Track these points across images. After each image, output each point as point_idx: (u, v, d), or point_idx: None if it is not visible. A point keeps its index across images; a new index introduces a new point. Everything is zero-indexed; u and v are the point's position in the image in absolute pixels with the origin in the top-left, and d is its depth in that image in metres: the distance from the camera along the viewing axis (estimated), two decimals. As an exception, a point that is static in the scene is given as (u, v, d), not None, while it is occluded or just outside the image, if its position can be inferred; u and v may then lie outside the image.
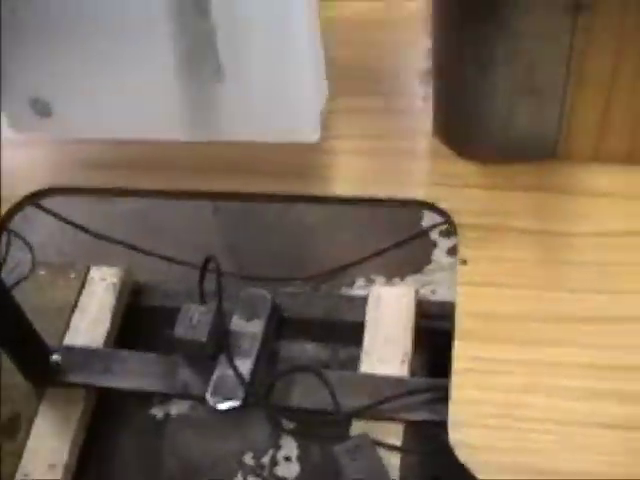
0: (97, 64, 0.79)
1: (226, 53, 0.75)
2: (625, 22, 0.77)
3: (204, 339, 1.26)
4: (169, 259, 1.40)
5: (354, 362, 1.30)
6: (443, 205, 0.87)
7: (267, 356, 1.31)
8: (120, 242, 1.38)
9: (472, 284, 0.82)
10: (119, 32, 0.76)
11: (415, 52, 0.99)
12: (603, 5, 0.76)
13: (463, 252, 0.83)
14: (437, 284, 1.43)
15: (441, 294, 1.40)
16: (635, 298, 0.80)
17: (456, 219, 0.86)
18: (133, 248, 1.39)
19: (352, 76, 0.97)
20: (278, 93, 0.76)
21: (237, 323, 1.31)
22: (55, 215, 1.30)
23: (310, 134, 0.78)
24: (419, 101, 0.96)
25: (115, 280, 1.42)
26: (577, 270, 0.82)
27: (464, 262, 0.83)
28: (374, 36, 1.02)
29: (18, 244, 1.44)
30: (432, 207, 0.87)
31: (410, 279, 1.46)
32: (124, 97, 0.81)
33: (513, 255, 0.83)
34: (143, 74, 0.79)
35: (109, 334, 1.38)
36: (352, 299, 1.40)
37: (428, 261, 1.47)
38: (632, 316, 0.79)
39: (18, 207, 0.94)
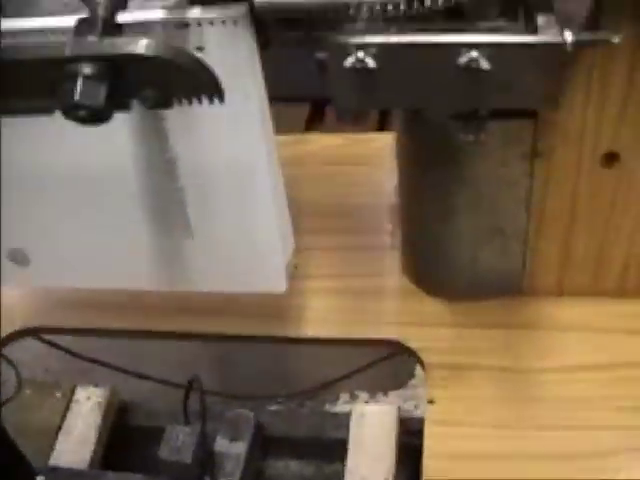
0: (72, 219, 0.83)
1: (195, 212, 0.78)
2: (580, 166, 0.80)
3: (188, 461, 1.26)
4: (154, 379, 1.41)
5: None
6: (412, 344, 0.89)
7: (251, 476, 1.32)
8: (105, 364, 1.40)
9: (439, 423, 0.84)
10: (92, 191, 0.79)
11: (384, 188, 1.01)
12: (559, 151, 0.79)
13: (431, 392, 0.85)
14: (420, 399, 1.44)
15: (424, 409, 1.41)
16: (602, 434, 0.81)
17: (424, 358, 0.88)
18: (118, 369, 1.40)
19: (321, 213, 1.00)
20: (245, 249, 0.79)
21: (221, 444, 1.32)
22: (40, 338, 1.31)
23: (277, 286, 0.81)
24: (388, 237, 0.98)
25: (101, 400, 1.44)
26: (544, 407, 0.84)
27: (431, 401, 0.84)
28: (343, 171, 1.06)
29: (3, 363, 1.44)
30: (401, 346, 0.89)
31: (393, 394, 1.47)
32: (98, 249, 0.84)
33: (480, 393, 0.85)
34: (116, 229, 0.82)
35: (95, 454, 1.39)
36: (336, 416, 1.41)
37: (411, 375, 1.49)
38: (599, 451, 0.80)
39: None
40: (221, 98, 0.59)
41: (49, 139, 0.76)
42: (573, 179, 0.81)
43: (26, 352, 1.52)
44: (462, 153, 0.79)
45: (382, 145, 1.03)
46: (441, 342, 0.89)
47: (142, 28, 0.67)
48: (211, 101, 0.59)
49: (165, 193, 0.78)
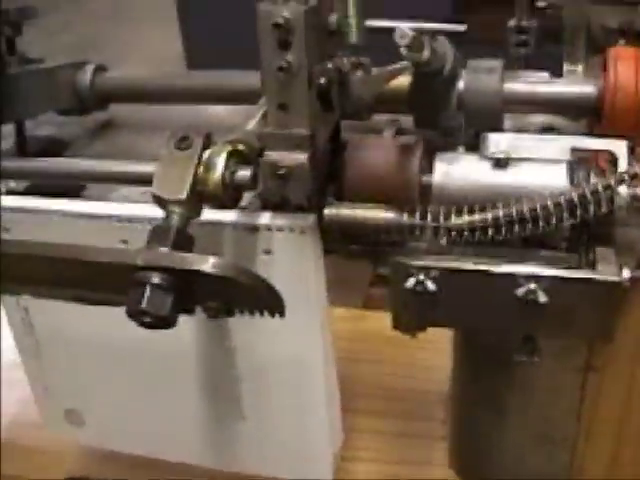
0: (128, 387, 0.85)
1: (248, 398, 0.80)
2: (634, 382, 0.80)
3: None
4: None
5: None
6: None
7: None
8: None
9: None
10: (149, 365, 0.81)
11: (440, 374, 1.02)
12: (612, 367, 0.79)
13: None
14: None
15: None
16: None
17: None
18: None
19: (375, 394, 1.01)
20: (295, 438, 0.81)
21: None
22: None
23: (323, 475, 0.82)
24: (439, 426, 0.99)
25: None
26: None
27: None
28: (401, 354, 1.07)
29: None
30: None
31: None
32: (152, 419, 0.85)
33: None
34: (171, 403, 0.84)
35: None
36: None
37: None
38: None
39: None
40: (282, 314, 0.61)
41: (109, 313, 0.79)
42: (625, 394, 0.81)
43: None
44: (516, 363, 0.80)
45: (442, 330, 1.04)
46: None
47: (214, 227, 0.69)
48: (272, 315, 0.61)
49: (222, 378, 0.80)
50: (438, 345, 1.00)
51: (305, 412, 0.79)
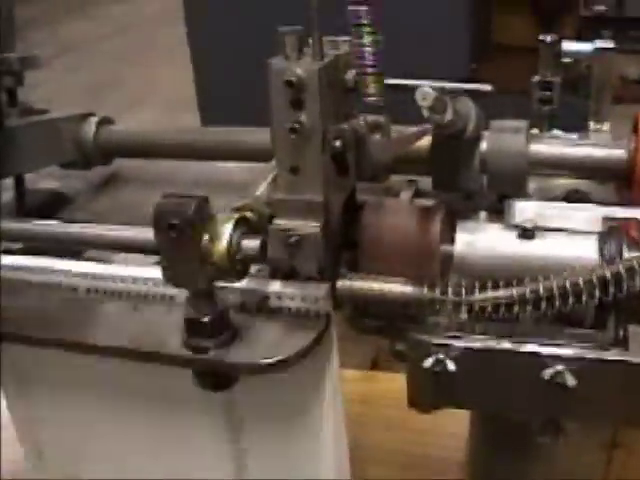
0: (129, 456, 0.80)
1: (253, 465, 0.75)
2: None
3: None
4: None
5: None
6: None
7: None
8: None
9: None
10: (153, 436, 0.77)
11: (454, 441, 0.98)
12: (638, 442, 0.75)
13: None
14: None
15: None
16: None
17: None
18: None
19: (387, 461, 0.97)
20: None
21: None
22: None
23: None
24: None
25: None
26: None
27: None
28: (412, 418, 1.02)
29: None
30: None
31: None
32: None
33: None
34: (174, 463, 0.79)
35: None
36: None
37: None
38: None
39: None
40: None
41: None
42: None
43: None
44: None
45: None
46: None
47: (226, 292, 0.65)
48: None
49: (228, 452, 0.76)
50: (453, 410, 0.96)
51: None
